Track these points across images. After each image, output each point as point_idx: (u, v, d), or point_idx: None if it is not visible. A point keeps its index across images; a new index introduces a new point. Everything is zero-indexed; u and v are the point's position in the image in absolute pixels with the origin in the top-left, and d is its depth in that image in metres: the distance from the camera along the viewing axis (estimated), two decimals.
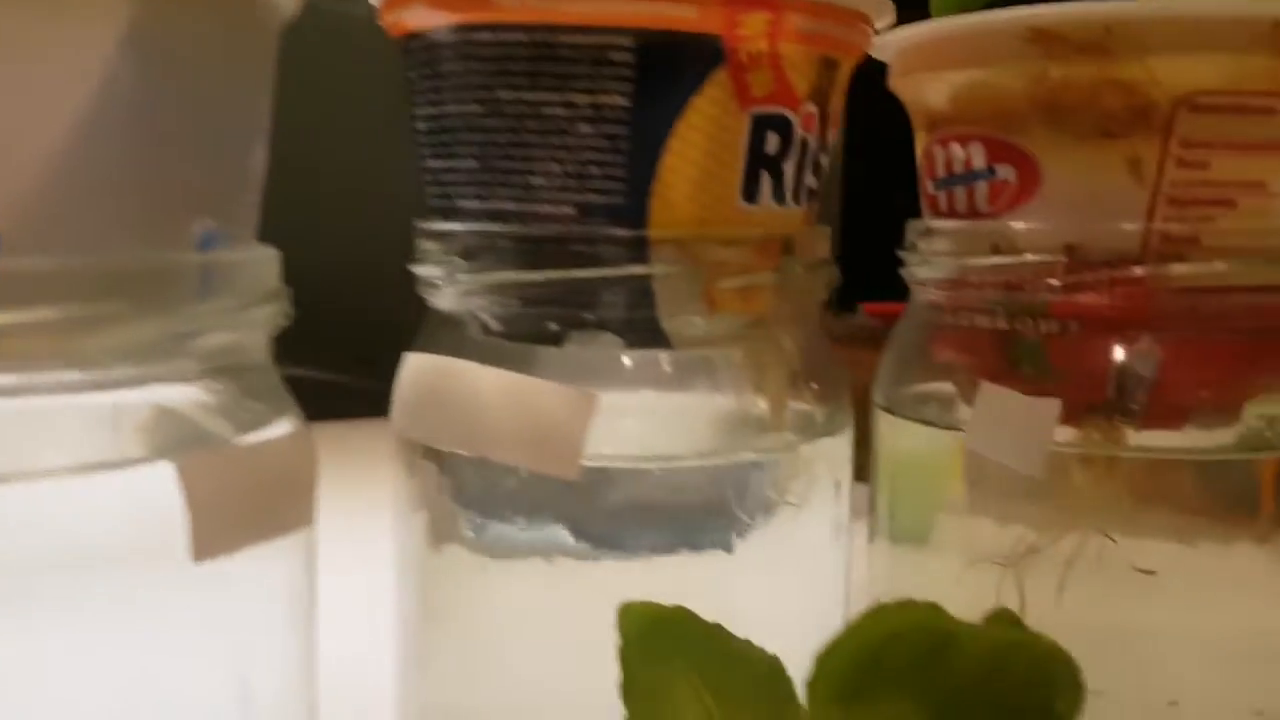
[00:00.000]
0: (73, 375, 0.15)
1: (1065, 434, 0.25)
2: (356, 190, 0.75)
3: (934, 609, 0.18)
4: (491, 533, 0.24)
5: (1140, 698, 0.26)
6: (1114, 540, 0.25)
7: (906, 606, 0.18)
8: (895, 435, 0.29)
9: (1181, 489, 0.26)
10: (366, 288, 0.59)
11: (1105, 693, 0.26)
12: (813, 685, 0.19)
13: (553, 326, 0.23)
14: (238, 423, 0.18)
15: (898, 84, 0.28)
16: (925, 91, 0.27)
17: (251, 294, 0.17)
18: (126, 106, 0.15)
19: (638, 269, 0.22)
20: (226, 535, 0.16)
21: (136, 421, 0.17)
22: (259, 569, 0.18)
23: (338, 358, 0.54)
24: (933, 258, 0.27)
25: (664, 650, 0.21)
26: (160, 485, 0.15)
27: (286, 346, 0.20)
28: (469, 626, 0.25)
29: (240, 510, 0.16)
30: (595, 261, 0.22)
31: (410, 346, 0.24)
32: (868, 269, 0.35)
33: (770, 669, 0.21)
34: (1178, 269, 0.24)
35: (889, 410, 0.29)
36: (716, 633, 0.21)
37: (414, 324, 0.26)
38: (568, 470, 0.22)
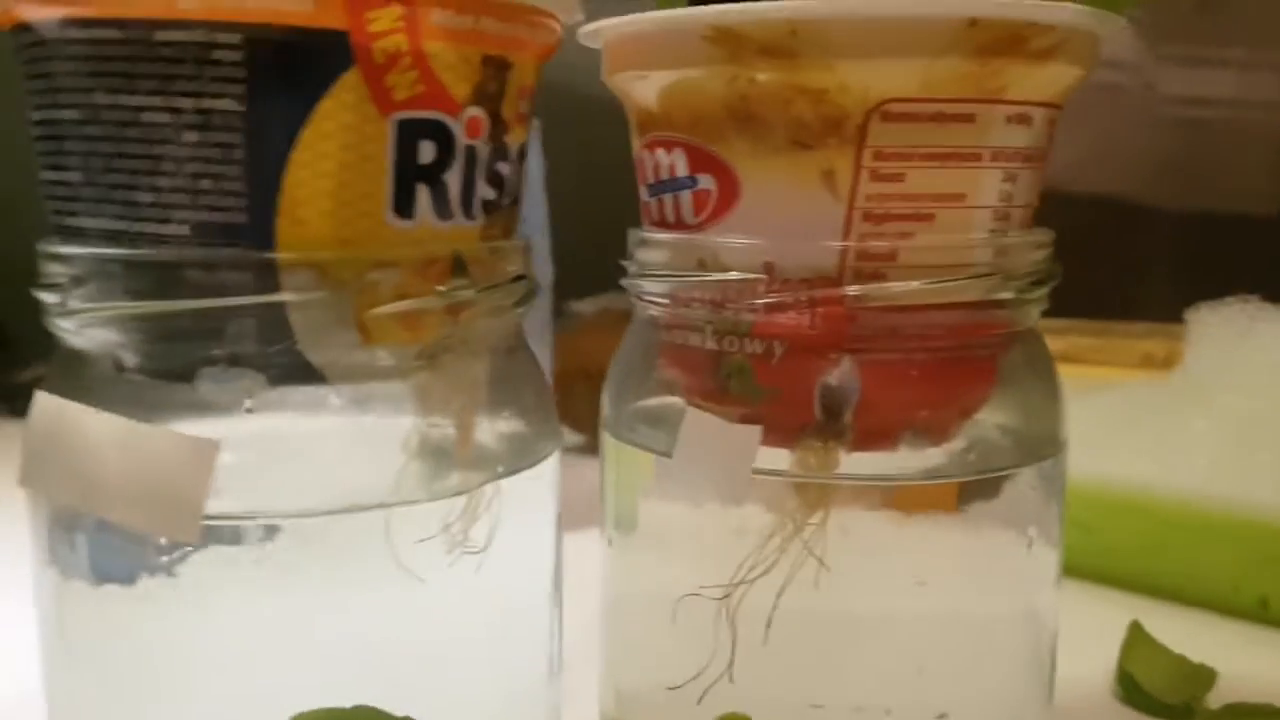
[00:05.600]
0: None
1: (782, 454, 0.24)
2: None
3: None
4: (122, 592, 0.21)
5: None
6: (827, 568, 0.24)
7: None
8: (618, 455, 0.27)
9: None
10: None
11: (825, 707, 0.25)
12: None
13: (184, 362, 0.20)
14: None
15: (610, 82, 0.26)
16: (632, 91, 0.25)
17: None
18: None
19: (264, 298, 0.19)
20: None
21: None
22: None
23: None
24: (648, 270, 0.25)
25: None
26: None
27: None
28: (111, 668, 0.22)
29: None
30: (215, 289, 0.19)
31: None
32: None
33: None
34: (876, 290, 0.22)
35: (613, 434, 0.27)
36: None
37: None
38: (186, 533, 0.19)
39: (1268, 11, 0.92)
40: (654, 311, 0.26)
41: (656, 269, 0.25)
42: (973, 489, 0.25)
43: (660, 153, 0.24)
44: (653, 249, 0.25)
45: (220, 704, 0.21)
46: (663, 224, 0.25)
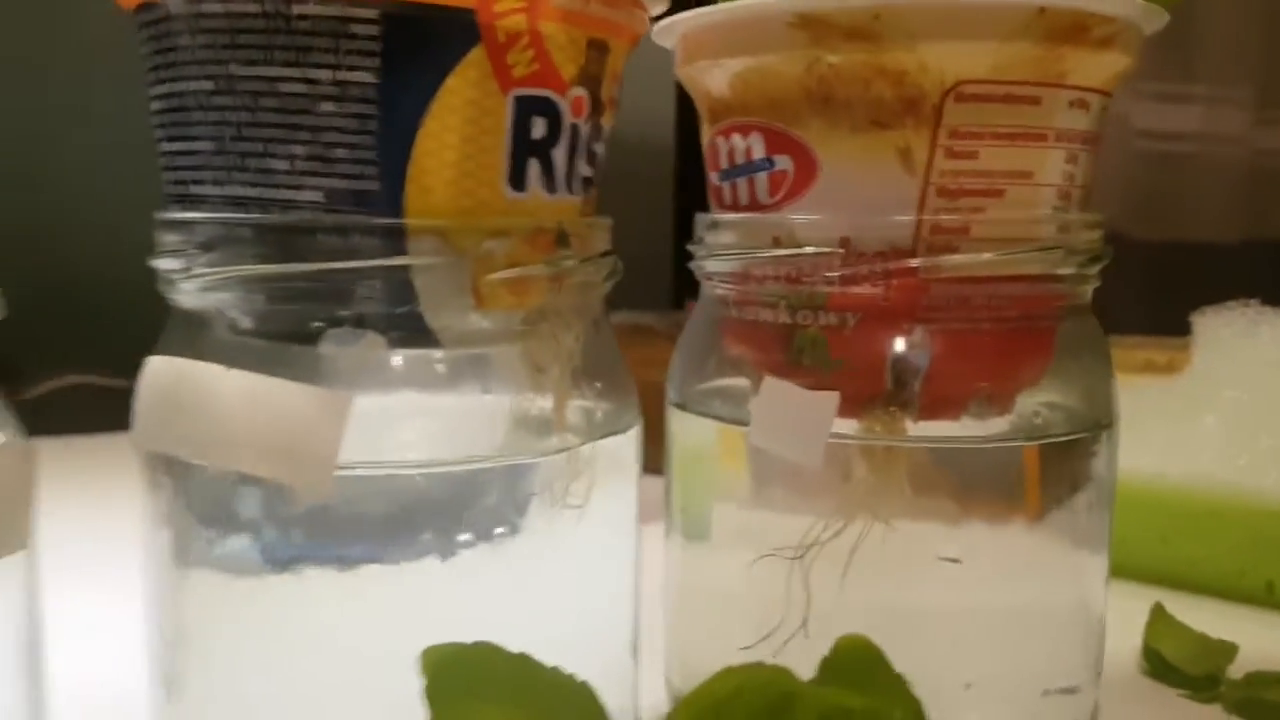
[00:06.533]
0: None
1: (849, 425, 0.25)
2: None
3: (779, 671, 0.18)
4: (238, 550, 0.22)
5: (935, 682, 0.26)
6: (893, 527, 0.25)
7: (752, 668, 0.18)
8: (686, 431, 0.29)
9: (955, 477, 0.26)
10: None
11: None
12: None
13: (307, 324, 0.21)
14: None
15: (682, 73, 0.27)
16: (706, 80, 0.26)
17: None
18: None
19: (394, 261, 0.21)
20: None
21: None
22: None
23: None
24: (719, 251, 0.27)
25: (471, 688, 0.20)
26: None
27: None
28: (220, 650, 0.23)
29: None
30: (346, 253, 0.20)
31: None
32: None
33: (582, 696, 0.20)
34: (949, 261, 0.24)
35: (681, 406, 0.29)
36: (524, 664, 0.20)
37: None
38: (319, 480, 0.20)
39: (1231, 51, 0.96)
40: (721, 291, 0.27)
41: (728, 249, 0.26)
42: (1053, 496, 0.26)
43: (736, 138, 0.26)
44: (724, 230, 0.27)
45: (338, 666, 0.22)
46: (735, 207, 0.26)
